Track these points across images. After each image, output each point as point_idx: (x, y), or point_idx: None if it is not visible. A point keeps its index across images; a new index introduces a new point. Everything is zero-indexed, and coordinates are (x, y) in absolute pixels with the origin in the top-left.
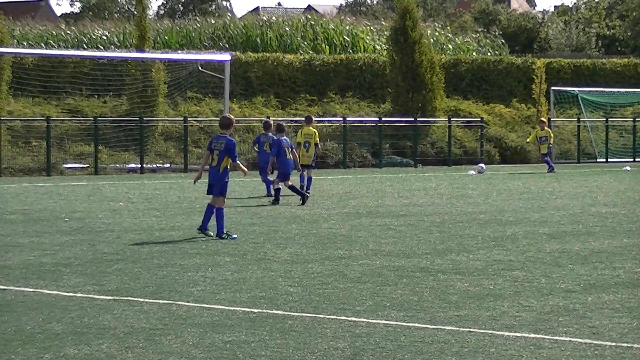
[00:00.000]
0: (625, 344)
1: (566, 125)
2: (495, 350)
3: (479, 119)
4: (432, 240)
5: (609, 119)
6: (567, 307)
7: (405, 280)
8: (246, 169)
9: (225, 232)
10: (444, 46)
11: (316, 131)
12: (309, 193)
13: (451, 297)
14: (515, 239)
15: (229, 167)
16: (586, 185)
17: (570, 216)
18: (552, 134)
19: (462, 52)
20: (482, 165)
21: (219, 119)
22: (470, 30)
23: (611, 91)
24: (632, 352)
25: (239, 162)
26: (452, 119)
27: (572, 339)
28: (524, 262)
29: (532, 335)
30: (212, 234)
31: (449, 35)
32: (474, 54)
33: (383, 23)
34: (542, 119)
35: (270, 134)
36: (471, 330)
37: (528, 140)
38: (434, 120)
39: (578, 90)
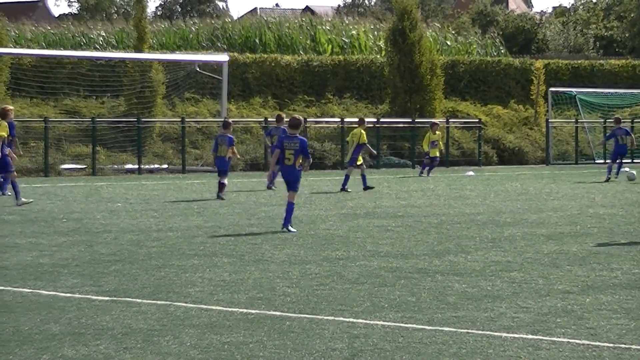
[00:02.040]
0: (623, 345)
1: (564, 127)
2: (494, 352)
3: (477, 120)
4: (429, 241)
5: (607, 120)
6: (565, 308)
7: (403, 281)
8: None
9: (289, 225)
10: (443, 47)
11: (362, 131)
12: (346, 189)
13: (449, 298)
14: (513, 240)
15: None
16: (584, 187)
17: (568, 217)
18: (441, 142)
19: (461, 54)
20: (633, 172)
21: (289, 118)
22: (471, 31)
23: (609, 92)
24: (630, 353)
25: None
26: (450, 120)
27: (570, 340)
28: (521, 264)
29: (530, 336)
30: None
31: (448, 34)
32: (474, 54)
33: (382, 24)
34: (435, 121)
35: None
36: (469, 331)
37: (422, 145)
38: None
39: (576, 92)
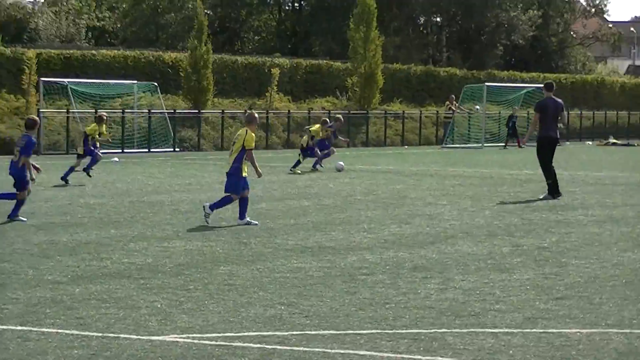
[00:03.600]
0: (112, 335)
1: (55, 117)
2: None
3: None
4: None
5: (99, 110)
6: (54, 299)
7: None
8: None
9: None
10: None
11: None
12: None
13: None
14: (3, 231)
15: None
16: (74, 177)
17: (59, 207)
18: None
19: None
20: (341, 163)
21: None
22: None
23: (101, 82)
24: (119, 342)
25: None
26: None
27: (59, 331)
28: (11, 254)
29: (19, 327)
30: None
31: None
32: None
33: None
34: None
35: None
36: None
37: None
38: None
39: (68, 81)
